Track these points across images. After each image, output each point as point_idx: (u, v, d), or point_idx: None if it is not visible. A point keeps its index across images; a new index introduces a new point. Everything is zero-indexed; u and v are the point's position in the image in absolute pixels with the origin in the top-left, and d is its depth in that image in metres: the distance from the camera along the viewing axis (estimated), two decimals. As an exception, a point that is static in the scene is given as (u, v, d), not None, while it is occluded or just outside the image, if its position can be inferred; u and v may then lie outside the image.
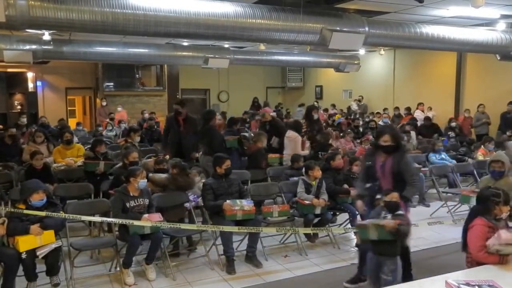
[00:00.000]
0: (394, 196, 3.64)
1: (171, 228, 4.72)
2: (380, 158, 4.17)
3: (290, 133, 7.44)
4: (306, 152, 7.37)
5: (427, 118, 11.88)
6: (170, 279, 4.59)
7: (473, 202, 4.00)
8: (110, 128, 11.75)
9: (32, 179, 4.62)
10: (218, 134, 7.23)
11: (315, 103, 16.30)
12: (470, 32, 7.75)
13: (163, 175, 5.56)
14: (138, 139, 7.23)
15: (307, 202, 5.34)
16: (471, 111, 11.76)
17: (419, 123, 11.67)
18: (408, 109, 13.07)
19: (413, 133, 9.91)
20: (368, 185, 4.23)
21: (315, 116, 8.07)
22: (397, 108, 13.51)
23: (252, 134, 11.32)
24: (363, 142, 8.74)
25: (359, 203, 4.38)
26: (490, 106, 11.42)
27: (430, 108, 12.86)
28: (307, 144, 7.61)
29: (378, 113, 13.84)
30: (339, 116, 14.26)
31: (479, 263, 3.10)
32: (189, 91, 17.69)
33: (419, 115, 12.34)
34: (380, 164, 4.16)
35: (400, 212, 3.61)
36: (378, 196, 3.90)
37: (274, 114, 12.39)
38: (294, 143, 7.27)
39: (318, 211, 5.37)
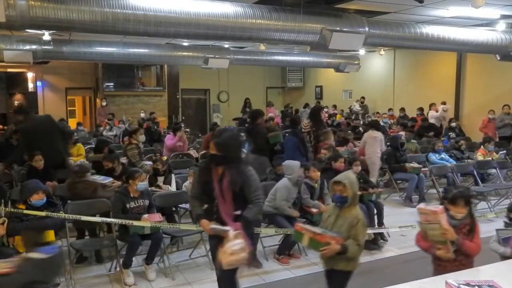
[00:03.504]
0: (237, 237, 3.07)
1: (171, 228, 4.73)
2: (217, 172, 3.34)
3: (375, 133, 7.98)
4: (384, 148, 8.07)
5: (424, 119, 11.85)
6: (170, 279, 4.60)
7: (305, 241, 3.16)
8: (109, 128, 11.75)
9: (32, 179, 4.63)
10: (262, 131, 7.38)
11: (318, 102, 16.43)
12: (470, 32, 7.75)
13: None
14: (142, 138, 7.21)
15: (314, 210, 5.26)
16: (471, 113, 11.68)
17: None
18: (420, 109, 12.70)
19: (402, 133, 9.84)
20: (205, 206, 3.41)
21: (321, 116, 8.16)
22: (402, 109, 13.18)
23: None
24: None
25: (205, 222, 3.34)
26: (490, 107, 11.42)
27: (436, 110, 12.47)
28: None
29: (377, 113, 13.82)
30: (340, 116, 14.27)
31: (440, 265, 3.10)
32: (189, 91, 17.69)
33: (433, 115, 12.12)
34: (217, 179, 3.32)
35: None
36: (227, 228, 3.16)
37: (271, 114, 12.46)
38: (380, 142, 7.92)
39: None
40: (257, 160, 6.37)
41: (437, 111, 12.24)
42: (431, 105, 12.38)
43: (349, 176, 3.27)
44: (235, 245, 3.02)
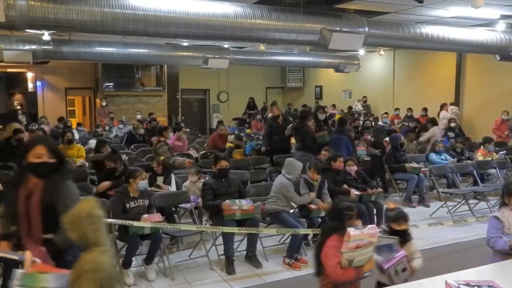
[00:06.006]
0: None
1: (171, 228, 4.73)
2: (27, 187, 2.76)
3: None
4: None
5: (431, 120, 11.70)
6: (170, 279, 4.60)
7: None
8: (108, 128, 11.73)
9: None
10: (310, 131, 7.52)
11: (316, 103, 16.44)
12: (470, 32, 7.75)
13: None
14: (170, 135, 7.31)
15: (313, 206, 5.27)
16: (470, 113, 11.56)
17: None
18: (425, 109, 12.41)
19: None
20: (14, 227, 2.81)
21: (321, 116, 8.22)
22: (410, 109, 12.95)
23: (252, 135, 11.38)
24: (360, 141, 8.80)
25: (2, 245, 2.77)
26: (489, 107, 11.43)
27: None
28: None
29: (371, 114, 13.78)
30: (339, 116, 14.25)
31: (335, 286, 2.89)
32: (189, 91, 17.70)
33: (445, 115, 11.75)
34: (24, 196, 2.74)
35: None
36: (16, 257, 2.53)
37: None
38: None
39: (323, 213, 5.33)
40: (303, 157, 6.65)
41: (447, 112, 12.04)
42: (443, 106, 12.07)
43: (74, 212, 2.34)
44: None
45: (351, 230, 2.72)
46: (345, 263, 2.73)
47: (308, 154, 7.08)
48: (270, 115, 12.28)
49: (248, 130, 12.04)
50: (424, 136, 9.52)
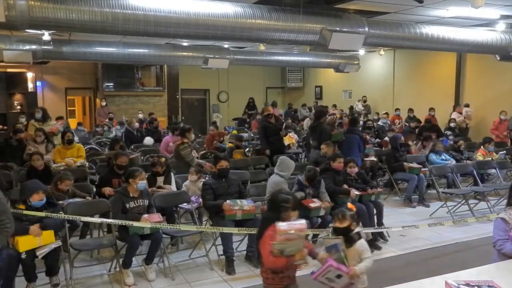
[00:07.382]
0: None
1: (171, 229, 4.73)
2: None
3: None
4: None
5: (428, 120, 11.73)
6: (170, 279, 4.60)
7: None
8: (107, 128, 11.72)
9: (32, 180, 4.62)
10: (325, 129, 7.61)
11: (316, 103, 16.44)
12: (469, 32, 7.75)
13: None
14: (193, 137, 7.34)
15: (313, 205, 5.25)
16: (469, 111, 11.56)
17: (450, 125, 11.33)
18: (432, 109, 12.06)
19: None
20: None
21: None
22: (411, 110, 12.78)
23: (251, 135, 11.39)
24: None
25: None
26: (489, 107, 11.42)
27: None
28: None
29: (375, 113, 13.75)
30: (340, 115, 14.24)
31: (273, 272, 2.99)
32: (189, 91, 17.70)
33: (456, 117, 11.67)
34: None
35: None
36: None
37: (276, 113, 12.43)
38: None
39: (322, 213, 5.31)
40: (318, 156, 6.72)
41: (461, 113, 11.86)
42: (456, 107, 12.04)
43: None
44: None
45: (279, 225, 2.86)
46: (276, 252, 2.88)
47: None
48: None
49: (234, 131, 11.93)
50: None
